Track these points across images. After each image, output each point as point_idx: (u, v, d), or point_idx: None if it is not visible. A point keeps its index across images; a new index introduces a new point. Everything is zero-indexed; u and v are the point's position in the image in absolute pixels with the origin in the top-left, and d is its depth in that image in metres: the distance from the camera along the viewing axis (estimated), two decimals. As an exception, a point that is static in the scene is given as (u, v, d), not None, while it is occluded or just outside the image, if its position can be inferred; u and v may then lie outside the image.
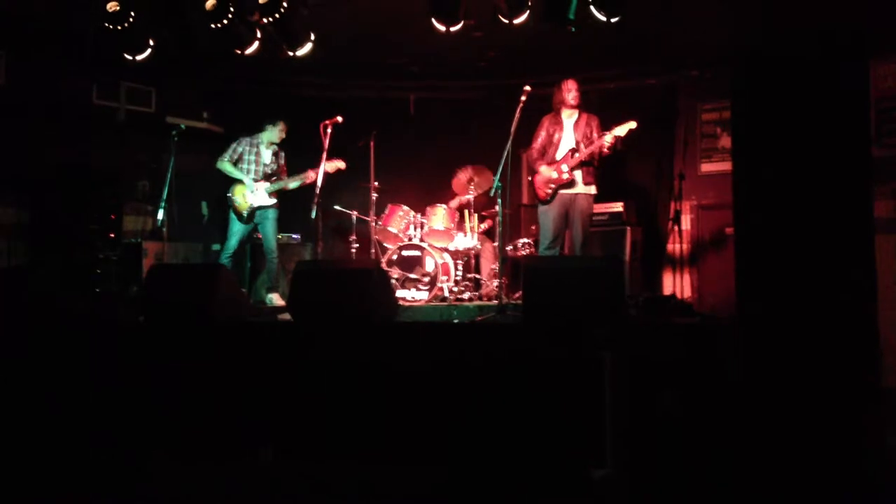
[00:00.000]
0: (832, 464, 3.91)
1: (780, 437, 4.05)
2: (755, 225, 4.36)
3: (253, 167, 7.61)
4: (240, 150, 7.61)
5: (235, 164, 7.59)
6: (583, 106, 6.92)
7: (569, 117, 6.88)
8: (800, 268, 4.23)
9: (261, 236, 7.73)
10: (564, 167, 6.68)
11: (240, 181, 7.54)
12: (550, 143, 6.84)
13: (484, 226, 8.52)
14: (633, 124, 6.48)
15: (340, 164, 7.47)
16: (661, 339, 4.48)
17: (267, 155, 7.68)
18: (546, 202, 6.83)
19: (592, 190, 6.79)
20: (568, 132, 6.84)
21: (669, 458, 4.16)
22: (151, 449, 4.79)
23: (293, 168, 7.76)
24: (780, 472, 3.95)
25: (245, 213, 7.52)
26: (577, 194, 6.73)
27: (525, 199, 9.14)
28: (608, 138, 6.49)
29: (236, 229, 7.57)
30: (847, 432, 3.98)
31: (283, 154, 7.82)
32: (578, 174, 6.72)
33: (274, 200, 7.64)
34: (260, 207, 7.57)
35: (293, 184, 7.67)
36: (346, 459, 4.54)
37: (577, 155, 6.66)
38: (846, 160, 4.24)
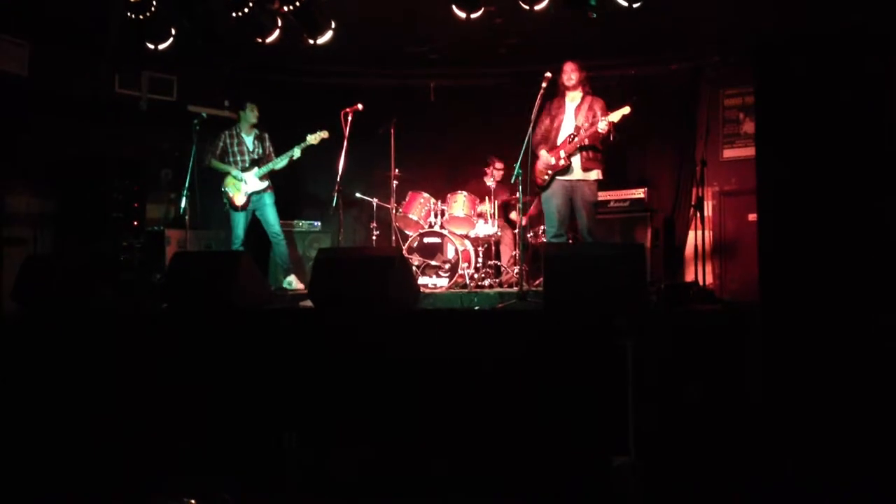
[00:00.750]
0: (856, 454, 3.89)
1: (802, 426, 4.03)
2: (778, 212, 4.32)
3: (238, 157, 7.70)
4: (221, 144, 7.72)
5: (222, 158, 7.68)
6: (587, 88, 6.76)
7: (571, 101, 6.73)
8: (823, 255, 4.19)
9: (262, 223, 7.80)
10: (562, 153, 6.56)
11: (229, 174, 7.64)
12: (552, 128, 6.69)
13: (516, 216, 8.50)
14: (626, 110, 6.33)
15: (324, 134, 7.50)
16: (682, 326, 4.46)
17: (249, 141, 7.76)
18: (544, 188, 6.74)
19: (594, 175, 6.63)
20: (569, 116, 6.70)
21: (690, 445, 4.16)
22: (177, 436, 4.85)
23: (281, 150, 7.78)
24: (802, 461, 3.93)
25: (240, 203, 7.62)
26: (577, 181, 6.60)
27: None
28: (601, 125, 6.34)
29: (237, 220, 7.68)
30: (871, 420, 3.95)
31: (266, 136, 7.89)
32: (576, 160, 6.57)
33: (266, 183, 7.72)
34: (254, 193, 7.65)
35: (281, 163, 7.71)
36: (369, 446, 4.58)
37: (574, 140, 6.53)
38: (871, 147, 4.19)
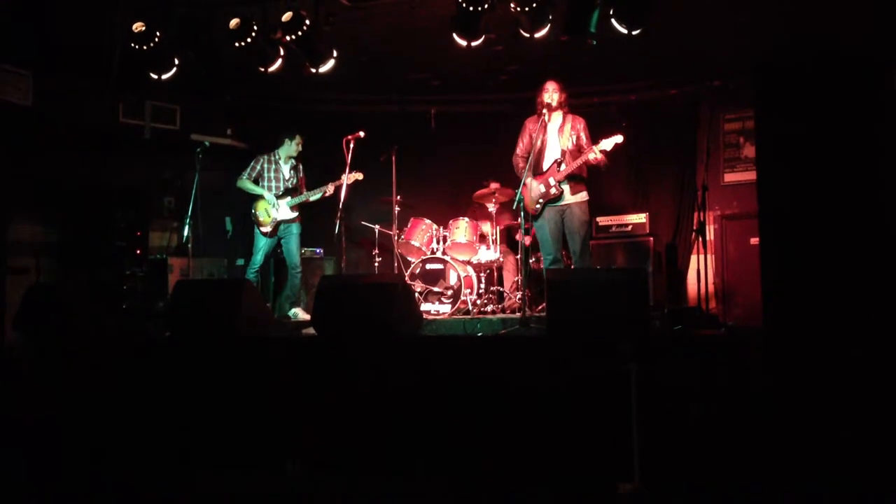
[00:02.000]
0: (863, 477, 3.87)
1: (808, 449, 4.01)
2: (780, 235, 4.33)
3: (273, 183, 7.70)
4: (258, 167, 7.72)
5: (256, 181, 7.69)
6: (567, 108, 6.69)
7: (552, 121, 6.66)
8: (826, 278, 4.19)
9: (283, 251, 7.79)
10: (552, 180, 6.51)
11: (261, 197, 7.61)
12: (534, 148, 6.54)
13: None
14: (619, 138, 6.28)
15: (358, 176, 7.50)
16: (686, 351, 4.45)
17: (286, 170, 7.77)
18: (536, 217, 6.70)
19: (583, 197, 6.56)
20: (552, 136, 6.64)
21: (696, 471, 4.13)
22: (179, 462, 4.83)
23: (313, 181, 7.83)
24: (809, 484, 3.91)
25: (269, 228, 7.59)
26: (568, 204, 6.55)
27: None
28: (592, 155, 6.29)
29: (261, 245, 7.65)
30: (875, 443, 3.93)
31: (301, 168, 7.91)
32: (566, 185, 6.52)
33: (296, 214, 7.71)
34: (283, 222, 7.64)
35: (314, 196, 7.73)
36: (373, 473, 4.56)
37: (563, 168, 6.48)
38: (871, 169, 4.21)
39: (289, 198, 7.66)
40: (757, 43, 7.08)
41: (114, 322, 6.61)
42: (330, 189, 7.61)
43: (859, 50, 4.30)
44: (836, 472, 3.92)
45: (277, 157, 7.78)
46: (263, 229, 7.61)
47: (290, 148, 7.77)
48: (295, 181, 7.78)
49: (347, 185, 7.35)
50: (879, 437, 3.94)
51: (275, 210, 7.61)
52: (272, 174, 7.73)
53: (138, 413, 5.03)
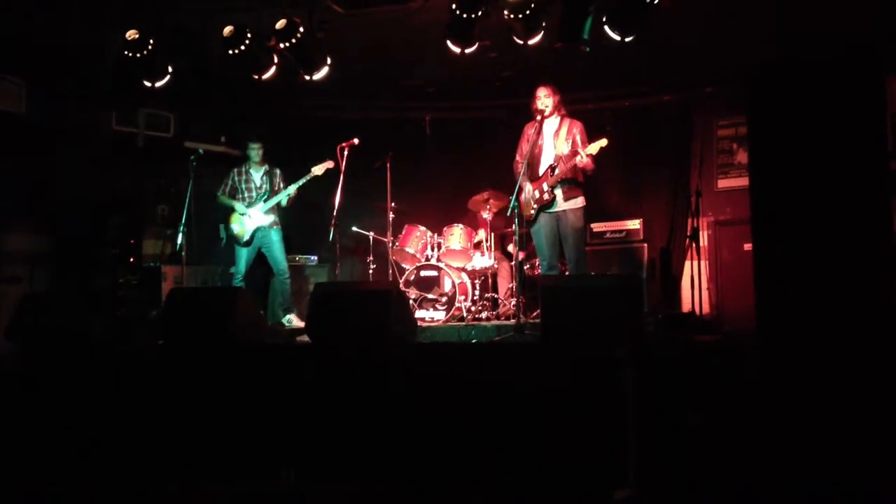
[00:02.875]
0: (857, 481, 3.87)
1: (804, 454, 4.01)
2: (773, 241, 4.34)
3: (246, 193, 7.75)
4: (230, 181, 7.79)
5: (232, 195, 7.74)
6: (563, 111, 6.70)
7: (549, 125, 6.67)
8: (820, 283, 4.20)
9: (269, 260, 7.80)
10: (545, 186, 6.53)
11: (233, 210, 7.68)
12: (532, 154, 6.58)
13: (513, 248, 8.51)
14: (604, 142, 6.26)
15: (329, 164, 7.51)
16: (681, 357, 4.45)
17: (257, 178, 7.80)
18: (531, 223, 6.73)
19: (578, 203, 6.55)
20: (548, 141, 6.65)
21: (692, 477, 4.13)
22: (174, 470, 4.81)
23: (290, 184, 7.80)
24: (806, 489, 3.91)
25: (245, 238, 7.62)
26: (562, 210, 6.55)
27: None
28: (579, 158, 6.29)
29: (241, 254, 7.69)
30: (871, 448, 3.94)
31: (277, 172, 7.91)
32: (559, 191, 6.53)
33: (272, 218, 7.72)
34: (259, 228, 7.66)
35: (284, 196, 7.72)
36: (367, 481, 4.54)
37: (556, 172, 6.49)
38: (864, 174, 4.22)
39: (261, 202, 7.67)
40: (749, 49, 7.11)
41: (107, 330, 6.57)
42: (300, 183, 7.63)
43: (851, 55, 4.32)
44: (833, 476, 3.92)
45: (247, 166, 7.82)
46: (239, 239, 7.66)
47: (252, 154, 7.80)
48: (269, 186, 7.77)
49: (317, 177, 7.50)
50: (875, 439, 3.94)
51: (248, 218, 7.64)
52: (244, 185, 7.76)
53: (131, 421, 5.01)
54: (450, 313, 7.52)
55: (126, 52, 6.49)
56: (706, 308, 7.77)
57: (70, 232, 8.05)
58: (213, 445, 4.85)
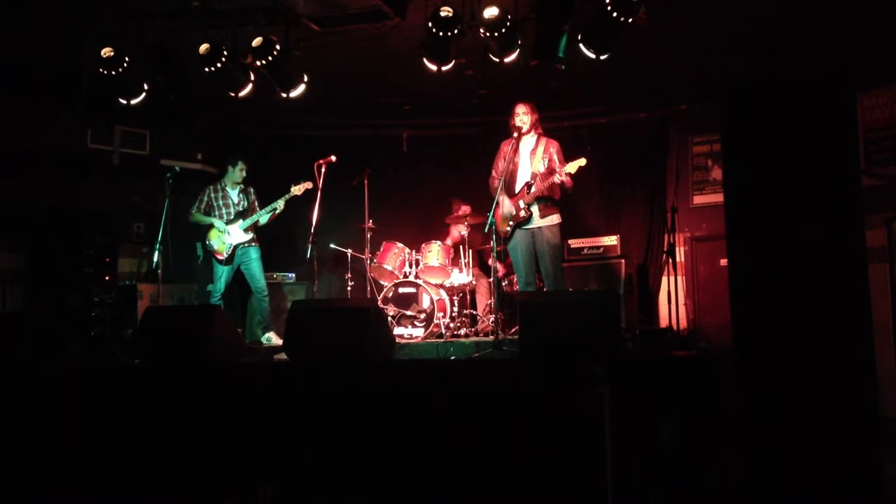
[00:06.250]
0: (831, 496, 3.89)
1: (779, 470, 4.03)
2: (749, 256, 4.37)
3: (224, 210, 7.71)
4: (205, 199, 7.75)
5: (207, 213, 7.69)
6: (540, 129, 6.73)
7: (525, 144, 6.71)
8: (795, 298, 4.24)
9: (247, 278, 7.75)
10: (522, 203, 6.54)
11: (212, 226, 7.63)
12: (508, 171, 6.60)
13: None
14: (582, 161, 6.31)
15: (308, 185, 7.50)
16: (658, 373, 4.47)
17: (234, 195, 7.77)
18: (507, 240, 6.73)
19: (554, 220, 6.57)
20: (524, 158, 6.69)
21: (670, 493, 4.13)
22: (151, 491, 4.75)
23: (266, 203, 7.77)
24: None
25: (225, 255, 7.58)
26: (537, 228, 6.57)
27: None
28: (558, 177, 6.34)
29: (220, 273, 7.64)
30: (845, 464, 3.97)
31: (251, 190, 7.89)
32: (535, 208, 6.55)
33: (251, 236, 7.69)
34: (239, 245, 7.62)
35: (265, 215, 7.69)
36: (346, 497, 4.51)
37: (532, 190, 6.52)
38: (837, 190, 4.27)
39: (240, 221, 7.64)
40: (723, 66, 7.19)
41: (82, 349, 6.50)
42: (280, 205, 7.60)
43: (824, 71, 4.38)
44: (809, 490, 3.95)
45: (223, 184, 7.79)
46: (219, 257, 7.60)
47: (234, 174, 7.77)
48: (245, 204, 7.75)
49: (296, 197, 7.48)
50: (850, 453, 3.97)
51: (228, 235, 7.60)
52: (220, 202, 7.72)
53: (107, 441, 4.95)
54: (428, 330, 7.51)
55: (101, 70, 6.45)
56: (683, 323, 7.82)
57: (44, 250, 7.96)
58: (189, 464, 4.81)
